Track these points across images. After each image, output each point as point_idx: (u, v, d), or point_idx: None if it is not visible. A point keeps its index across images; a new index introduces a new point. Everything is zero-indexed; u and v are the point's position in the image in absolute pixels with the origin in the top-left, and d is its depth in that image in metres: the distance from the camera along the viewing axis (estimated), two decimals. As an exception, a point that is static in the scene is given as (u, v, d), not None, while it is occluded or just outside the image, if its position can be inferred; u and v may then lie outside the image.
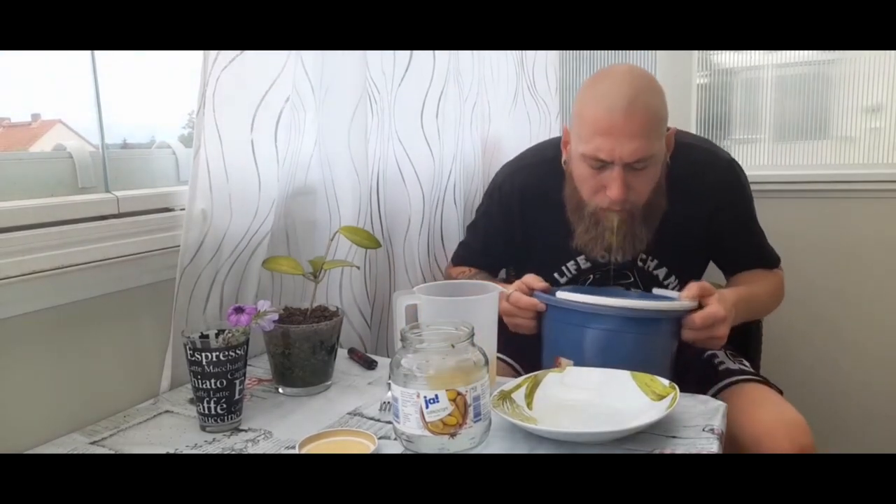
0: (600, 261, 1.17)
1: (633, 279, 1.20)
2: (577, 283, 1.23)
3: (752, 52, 1.87)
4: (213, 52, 0.91)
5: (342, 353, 1.12)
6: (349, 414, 0.90)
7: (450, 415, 0.74)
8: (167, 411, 0.92)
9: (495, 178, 1.34)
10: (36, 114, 1.04)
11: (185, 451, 0.80)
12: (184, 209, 0.96)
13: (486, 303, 0.93)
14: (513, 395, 0.88)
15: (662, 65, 1.93)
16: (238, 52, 0.93)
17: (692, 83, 1.91)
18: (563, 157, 1.19)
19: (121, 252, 0.90)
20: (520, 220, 1.26)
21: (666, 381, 0.86)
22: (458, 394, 0.74)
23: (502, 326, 1.02)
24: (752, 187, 1.24)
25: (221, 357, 0.83)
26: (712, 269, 1.30)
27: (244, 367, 0.86)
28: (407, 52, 1.27)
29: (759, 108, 1.89)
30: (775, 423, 1.01)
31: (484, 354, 0.78)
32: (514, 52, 1.65)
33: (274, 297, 1.16)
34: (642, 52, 1.97)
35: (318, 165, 1.18)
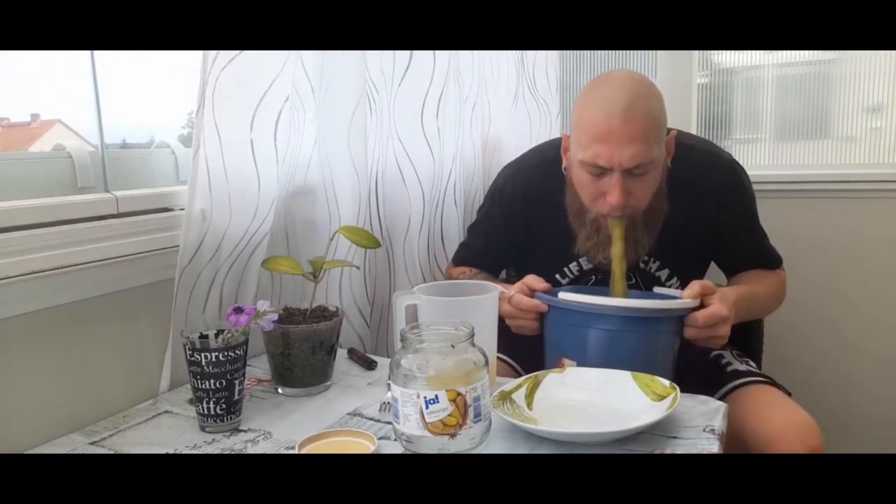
0: (603, 262, 1.17)
1: (634, 280, 1.20)
2: (578, 284, 1.23)
3: (753, 52, 1.87)
4: (212, 52, 0.91)
5: (342, 354, 1.12)
6: (349, 414, 0.90)
7: (450, 415, 0.74)
8: (166, 411, 0.92)
9: (497, 179, 1.33)
10: (35, 114, 1.04)
11: (184, 452, 0.80)
12: (183, 209, 0.96)
13: (486, 303, 0.93)
14: (513, 396, 0.87)
15: (662, 65, 1.93)
16: (237, 51, 0.93)
17: (692, 83, 1.91)
18: (564, 164, 1.18)
19: (120, 252, 0.90)
20: (521, 221, 1.26)
21: (666, 382, 0.86)
22: (458, 394, 0.74)
23: (503, 327, 1.02)
24: (753, 187, 1.23)
25: (221, 357, 0.82)
26: (713, 269, 1.30)
27: (244, 367, 0.86)
28: (407, 52, 1.27)
29: (760, 108, 1.89)
30: (787, 425, 1.01)
31: (484, 355, 0.78)
32: (514, 52, 1.65)
33: (273, 297, 1.16)
34: (642, 51, 1.97)
35: (317, 165, 1.18)
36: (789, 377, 1.29)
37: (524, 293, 1.06)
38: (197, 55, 0.92)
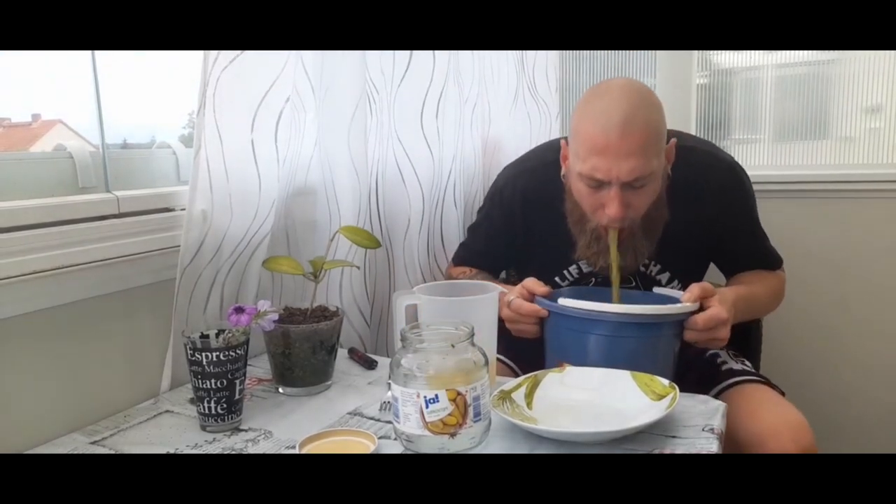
0: (604, 266, 1.16)
1: (635, 283, 1.20)
2: (579, 286, 1.23)
3: (752, 52, 1.87)
4: (213, 52, 0.91)
5: (342, 353, 1.12)
6: (349, 414, 0.90)
7: (450, 415, 0.74)
8: (167, 411, 0.92)
9: (497, 180, 1.33)
10: (36, 114, 1.04)
11: (185, 451, 0.80)
12: (184, 209, 0.96)
13: (485, 303, 0.93)
14: (513, 395, 0.88)
15: (662, 65, 1.93)
16: (238, 52, 0.93)
17: (692, 83, 1.91)
18: (563, 171, 1.18)
19: (121, 252, 0.90)
20: (521, 223, 1.26)
21: (666, 381, 0.86)
22: (458, 394, 0.74)
23: (503, 329, 1.02)
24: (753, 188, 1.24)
25: (221, 357, 0.83)
26: (711, 269, 1.30)
27: (244, 367, 0.86)
28: (407, 53, 1.27)
29: (759, 109, 1.89)
30: (779, 424, 1.01)
31: (484, 354, 0.78)
32: (514, 52, 1.65)
33: (274, 297, 1.16)
34: (642, 52, 1.97)
35: (318, 166, 1.18)
36: (786, 377, 1.29)
37: (524, 297, 1.06)
38: (198, 55, 0.92)
